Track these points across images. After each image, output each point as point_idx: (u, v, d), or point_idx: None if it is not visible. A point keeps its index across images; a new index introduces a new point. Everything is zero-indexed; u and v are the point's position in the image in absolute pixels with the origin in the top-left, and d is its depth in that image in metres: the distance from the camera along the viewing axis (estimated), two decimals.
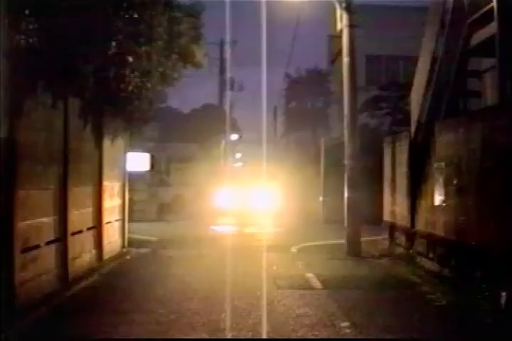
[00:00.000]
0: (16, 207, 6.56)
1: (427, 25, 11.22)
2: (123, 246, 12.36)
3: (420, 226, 10.28)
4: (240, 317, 6.81)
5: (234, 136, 41.02)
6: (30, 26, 6.63)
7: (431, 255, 9.56)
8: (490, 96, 12.42)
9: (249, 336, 6.15)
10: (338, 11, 12.39)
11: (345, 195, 12.22)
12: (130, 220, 13.48)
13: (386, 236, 12.35)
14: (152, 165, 18.19)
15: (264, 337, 6.12)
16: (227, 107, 39.64)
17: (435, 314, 7.08)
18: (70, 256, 8.49)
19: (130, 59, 9.42)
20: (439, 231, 9.23)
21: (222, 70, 39.39)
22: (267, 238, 15.14)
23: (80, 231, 9.18)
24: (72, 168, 8.59)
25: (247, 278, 9.37)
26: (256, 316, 6.86)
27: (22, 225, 6.73)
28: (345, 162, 12.30)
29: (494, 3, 8.68)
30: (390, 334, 6.21)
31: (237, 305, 7.39)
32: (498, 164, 7.29)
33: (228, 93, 39.41)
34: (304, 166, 24.70)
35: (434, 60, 10.65)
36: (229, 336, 6.14)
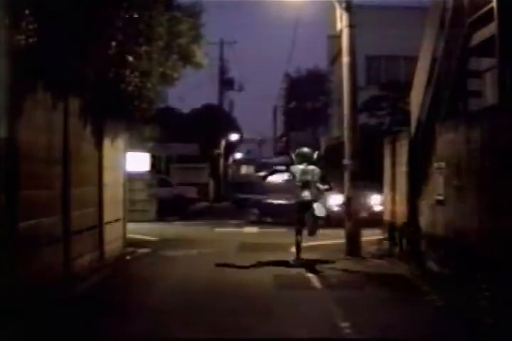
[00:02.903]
0: (18, 207, 6.55)
1: (427, 25, 11.21)
2: (123, 246, 12.35)
3: (420, 226, 10.28)
4: (239, 316, 6.81)
5: (234, 136, 41.02)
6: (30, 26, 6.62)
7: (431, 255, 9.56)
8: (490, 96, 12.42)
9: (248, 336, 6.15)
10: (338, 11, 12.39)
11: (345, 194, 12.23)
12: (130, 220, 13.47)
13: (386, 236, 12.35)
14: (152, 165, 18.15)
15: (264, 337, 6.13)
16: (226, 107, 39.66)
17: (435, 314, 7.08)
18: (71, 255, 8.49)
19: (130, 59, 9.43)
20: (439, 231, 9.23)
21: (222, 70, 39.43)
22: (268, 238, 15.14)
23: (81, 231, 9.18)
24: (72, 168, 8.59)
25: (246, 277, 9.38)
26: (255, 316, 6.87)
27: (23, 225, 6.73)
28: (345, 162, 12.30)
29: (494, 3, 8.67)
30: (390, 334, 6.22)
31: (237, 305, 7.39)
32: (498, 164, 7.30)
33: (228, 93, 39.45)
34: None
35: (434, 60, 10.64)
36: (228, 336, 6.14)
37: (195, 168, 32.33)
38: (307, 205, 10.66)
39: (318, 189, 10.78)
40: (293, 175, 10.76)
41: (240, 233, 16.54)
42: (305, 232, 10.90)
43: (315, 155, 11.06)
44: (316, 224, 10.86)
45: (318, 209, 10.67)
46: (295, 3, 19.71)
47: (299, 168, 10.75)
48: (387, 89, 21.97)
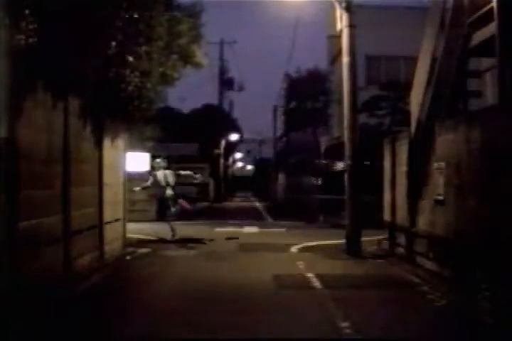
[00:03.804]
0: (18, 207, 6.55)
1: (426, 25, 11.20)
2: (123, 246, 12.35)
3: (420, 226, 10.28)
4: (239, 316, 6.81)
5: (234, 136, 41.05)
6: (30, 26, 6.62)
7: (431, 255, 9.56)
8: (490, 96, 12.41)
9: (248, 336, 6.15)
10: (338, 11, 12.40)
11: (346, 194, 12.24)
12: (130, 220, 13.48)
13: (386, 236, 12.35)
14: (152, 165, 18.05)
15: (264, 337, 6.12)
16: (226, 107, 39.63)
17: (435, 314, 7.08)
18: (71, 255, 8.49)
19: (130, 59, 9.42)
20: (439, 231, 9.23)
21: (222, 70, 39.46)
22: (268, 238, 15.16)
23: (81, 231, 9.18)
24: (72, 167, 8.58)
25: (246, 277, 9.38)
26: (255, 316, 6.87)
27: (23, 225, 6.72)
28: (345, 162, 12.30)
29: (494, 3, 8.67)
30: (390, 334, 6.22)
31: (237, 305, 7.39)
32: (497, 164, 7.29)
33: (228, 93, 39.43)
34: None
35: (434, 60, 10.63)
36: (229, 336, 6.14)
37: (195, 167, 32.33)
38: (171, 199, 14.54)
39: (173, 188, 14.61)
40: (158, 179, 14.41)
41: (240, 233, 16.54)
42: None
43: (165, 163, 14.95)
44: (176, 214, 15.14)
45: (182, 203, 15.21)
46: (295, 3, 19.73)
47: (160, 174, 14.48)
48: (387, 89, 21.96)
